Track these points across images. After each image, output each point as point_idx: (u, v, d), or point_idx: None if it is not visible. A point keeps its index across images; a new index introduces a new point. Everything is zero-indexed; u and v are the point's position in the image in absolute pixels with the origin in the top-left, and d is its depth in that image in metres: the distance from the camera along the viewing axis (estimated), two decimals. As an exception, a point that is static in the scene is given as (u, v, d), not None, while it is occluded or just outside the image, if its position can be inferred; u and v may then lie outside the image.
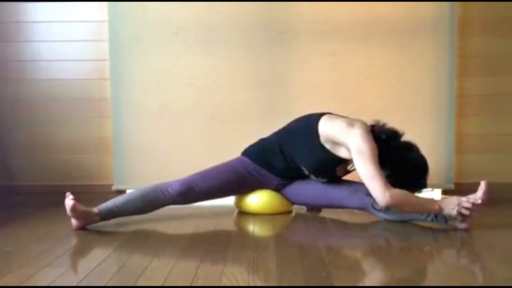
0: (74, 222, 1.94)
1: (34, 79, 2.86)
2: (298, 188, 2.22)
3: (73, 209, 1.88)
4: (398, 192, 1.87)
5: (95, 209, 1.97)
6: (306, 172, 2.16)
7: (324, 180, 2.17)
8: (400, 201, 1.89)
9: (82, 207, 1.92)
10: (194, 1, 2.75)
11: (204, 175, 2.15)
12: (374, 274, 1.43)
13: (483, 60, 2.82)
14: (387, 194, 1.85)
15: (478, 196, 1.85)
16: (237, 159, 2.24)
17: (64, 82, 2.87)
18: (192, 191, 2.10)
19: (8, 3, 2.83)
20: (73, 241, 1.84)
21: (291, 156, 2.15)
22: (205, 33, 2.78)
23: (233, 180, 2.18)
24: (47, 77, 2.86)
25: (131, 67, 2.80)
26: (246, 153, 2.26)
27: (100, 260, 1.55)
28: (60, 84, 2.86)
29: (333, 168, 2.12)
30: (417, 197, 1.95)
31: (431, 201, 1.96)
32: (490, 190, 1.85)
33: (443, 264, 1.55)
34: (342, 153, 2.05)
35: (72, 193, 1.93)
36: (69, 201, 1.88)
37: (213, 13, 2.75)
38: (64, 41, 2.85)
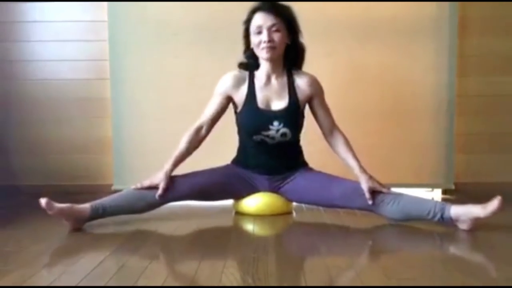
0: (66, 222, 1.93)
1: (34, 79, 2.87)
2: (298, 186, 2.20)
3: (49, 207, 1.85)
4: None
5: (87, 204, 1.96)
6: (279, 125, 2.10)
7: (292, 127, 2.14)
8: None
9: (58, 205, 1.88)
10: (194, 1, 2.75)
11: (196, 171, 2.18)
12: (374, 274, 1.43)
13: (483, 60, 2.82)
14: None
15: (487, 211, 1.83)
16: (226, 165, 2.29)
17: (64, 82, 2.87)
18: (184, 182, 2.10)
19: (7, 3, 2.83)
20: (73, 241, 1.84)
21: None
22: (205, 33, 2.78)
23: (225, 175, 2.21)
24: (47, 77, 2.86)
25: (131, 67, 2.80)
26: (232, 161, 2.31)
27: (100, 261, 1.55)
28: (60, 84, 2.87)
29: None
30: None
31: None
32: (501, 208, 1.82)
33: (443, 264, 1.55)
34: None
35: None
36: (42, 200, 1.85)
37: (213, 13, 2.76)
38: (64, 41, 2.85)
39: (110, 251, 1.66)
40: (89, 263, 1.54)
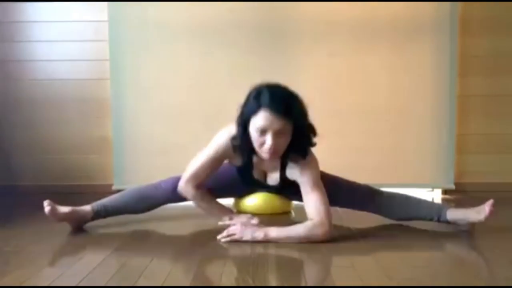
0: (68, 224, 1.94)
1: (34, 79, 2.87)
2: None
3: (52, 214, 1.85)
4: None
5: (88, 206, 1.97)
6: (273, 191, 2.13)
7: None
8: None
9: (62, 210, 1.89)
10: (194, 1, 2.75)
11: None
12: (374, 274, 1.43)
13: (484, 60, 2.82)
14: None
15: (481, 217, 1.83)
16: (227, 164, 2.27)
17: (64, 82, 2.87)
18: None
19: (8, 3, 2.83)
20: (73, 241, 1.84)
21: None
22: (206, 33, 2.77)
23: (226, 175, 2.16)
24: (47, 77, 2.86)
25: (131, 67, 2.80)
26: None
27: (100, 260, 1.55)
28: (60, 84, 2.87)
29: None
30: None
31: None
32: (494, 210, 1.82)
33: (444, 264, 1.55)
34: None
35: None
36: (46, 207, 1.85)
37: (213, 14, 2.75)
38: (64, 41, 2.85)
39: (110, 251, 1.66)
40: (89, 263, 1.54)
